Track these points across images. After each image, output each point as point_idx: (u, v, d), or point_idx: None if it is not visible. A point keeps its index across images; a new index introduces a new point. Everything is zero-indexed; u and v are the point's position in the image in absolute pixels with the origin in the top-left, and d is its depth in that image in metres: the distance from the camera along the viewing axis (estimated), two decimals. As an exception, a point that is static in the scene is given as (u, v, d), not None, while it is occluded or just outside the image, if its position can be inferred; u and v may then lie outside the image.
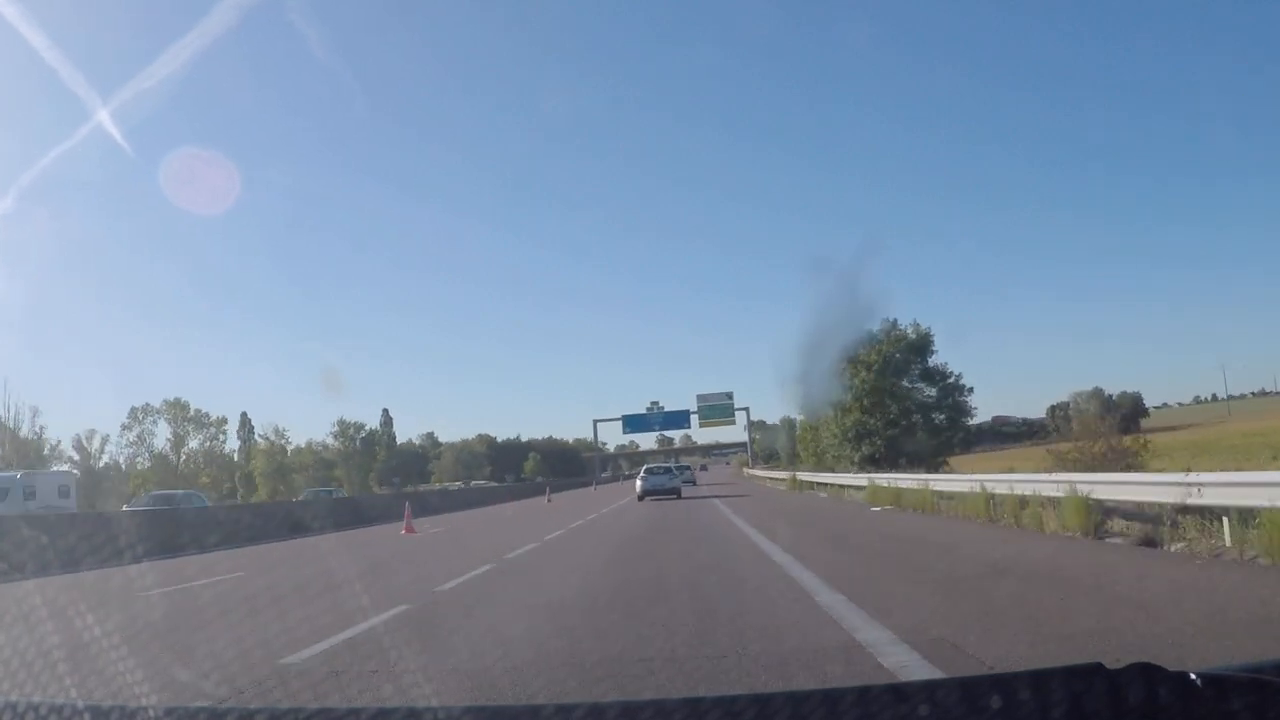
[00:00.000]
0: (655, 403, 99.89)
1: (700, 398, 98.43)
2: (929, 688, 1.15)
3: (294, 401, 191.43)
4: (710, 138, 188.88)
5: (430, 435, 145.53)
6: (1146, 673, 1.06)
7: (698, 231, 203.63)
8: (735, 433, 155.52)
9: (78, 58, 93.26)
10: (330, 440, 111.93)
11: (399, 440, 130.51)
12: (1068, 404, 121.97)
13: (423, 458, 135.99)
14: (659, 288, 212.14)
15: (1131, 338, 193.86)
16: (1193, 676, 1.06)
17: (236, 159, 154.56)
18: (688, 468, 73.01)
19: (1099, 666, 1.09)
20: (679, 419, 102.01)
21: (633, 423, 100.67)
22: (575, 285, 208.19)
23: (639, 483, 37.90)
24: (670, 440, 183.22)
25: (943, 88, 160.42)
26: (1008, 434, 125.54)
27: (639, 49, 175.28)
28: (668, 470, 40.40)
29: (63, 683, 5.28)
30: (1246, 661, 1.24)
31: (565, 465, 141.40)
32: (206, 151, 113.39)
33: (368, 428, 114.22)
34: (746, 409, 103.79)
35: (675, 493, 36.42)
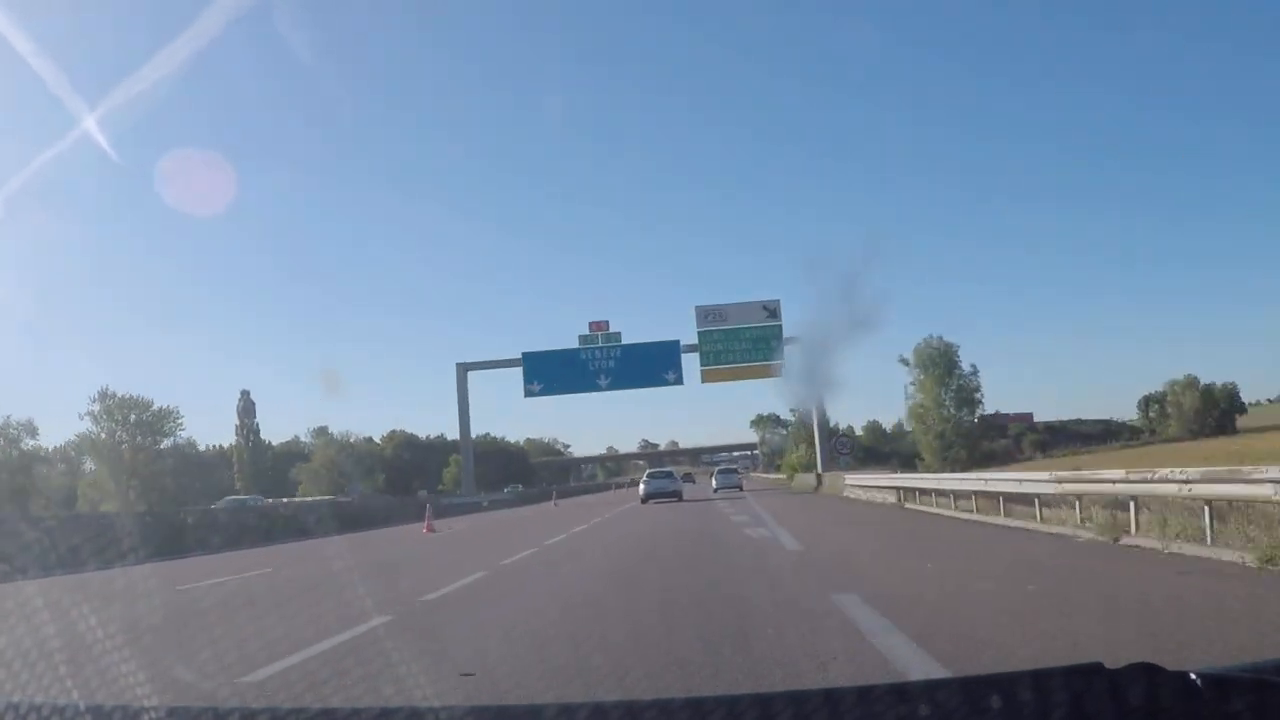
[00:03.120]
0: (602, 325, 50.51)
1: (704, 314, 49.40)
2: (930, 688, 1.16)
3: (288, 400, 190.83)
4: (708, 130, 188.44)
5: (323, 430, 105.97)
6: (1147, 673, 1.08)
7: (698, 225, 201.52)
8: (741, 429, 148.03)
9: (64, 63, 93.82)
10: (88, 426, 69.15)
11: (279, 436, 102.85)
12: (1163, 395, 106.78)
13: (306, 459, 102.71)
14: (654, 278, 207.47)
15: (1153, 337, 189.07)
16: (1193, 677, 1.08)
17: (224, 163, 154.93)
18: (735, 471, 57.95)
19: (1099, 666, 1.11)
20: (659, 360, 49.85)
21: (544, 368, 50.02)
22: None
23: (642, 486, 42.08)
24: (655, 445, 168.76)
25: (949, 82, 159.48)
26: (1086, 434, 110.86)
27: (636, 42, 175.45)
28: (669, 474, 44.34)
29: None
30: (1246, 661, 1.25)
31: (513, 472, 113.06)
32: (193, 157, 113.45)
33: (156, 406, 69.79)
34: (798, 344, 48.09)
35: (677, 495, 40.47)
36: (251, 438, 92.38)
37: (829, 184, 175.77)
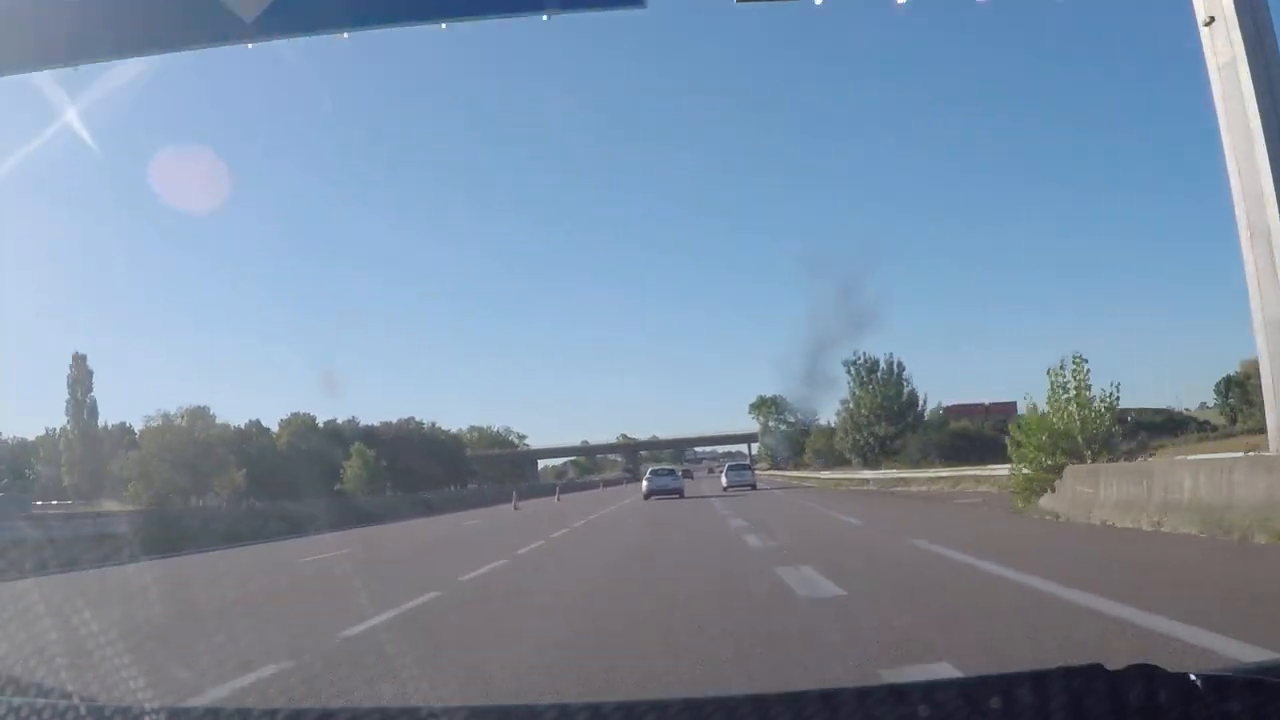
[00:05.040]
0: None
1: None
2: (928, 688, 1.17)
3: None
4: (697, 155, 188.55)
5: (203, 410, 76.26)
6: (1146, 674, 1.09)
7: (682, 246, 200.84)
8: (741, 415, 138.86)
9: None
10: None
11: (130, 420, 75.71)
12: (1244, 378, 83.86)
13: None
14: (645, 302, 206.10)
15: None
16: (1193, 678, 1.09)
17: (208, 160, 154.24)
18: (748, 467, 55.93)
19: (1099, 667, 1.12)
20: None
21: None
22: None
23: (645, 483, 43.59)
24: (632, 438, 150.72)
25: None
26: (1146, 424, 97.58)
27: (634, 37, 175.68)
28: (671, 472, 45.09)
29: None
30: (1245, 663, 1.26)
31: (445, 467, 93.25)
32: (177, 150, 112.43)
33: None
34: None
35: (678, 492, 40.72)
36: (86, 417, 69.62)
37: (826, 175, 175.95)
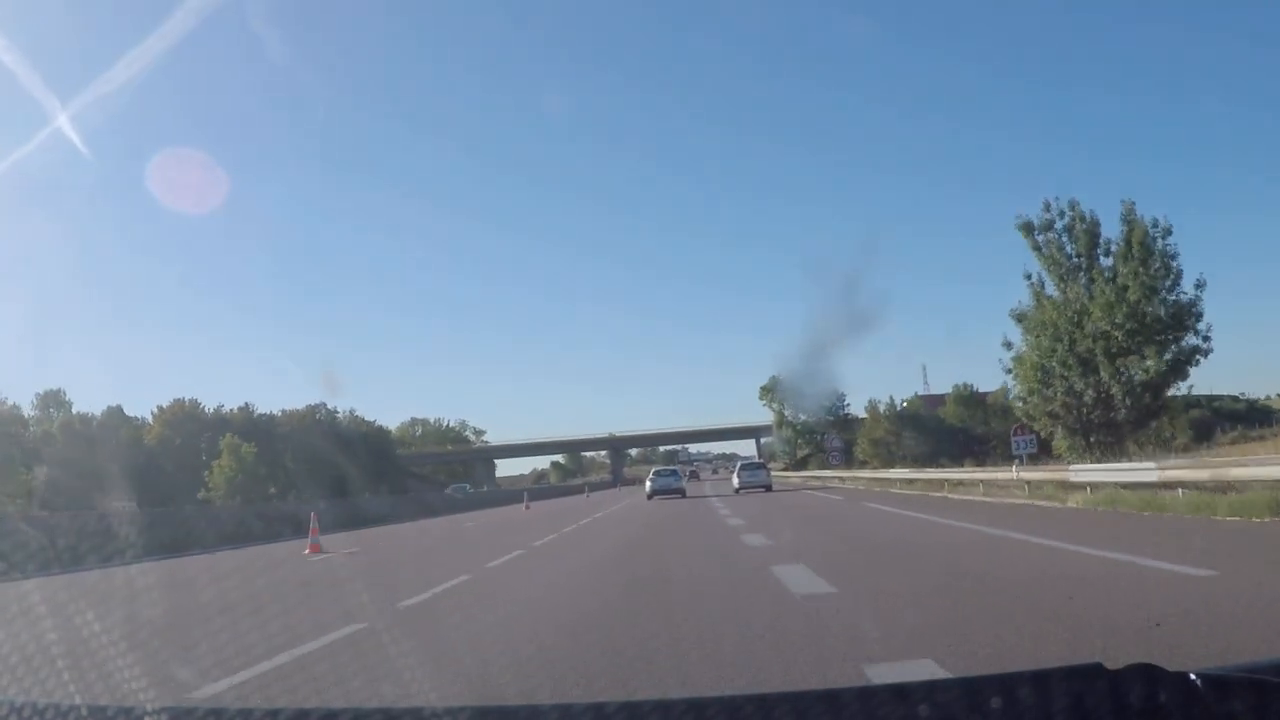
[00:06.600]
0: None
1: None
2: (929, 688, 1.17)
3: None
4: (702, 127, 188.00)
5: (55, 394, 68.65)
6: (1147, 673, 1.09)
7: (694, 223, 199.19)
8: (738, 411, 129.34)
9: (37, 61, 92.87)
10: None
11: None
12: None
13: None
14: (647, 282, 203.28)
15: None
16: (1193, 677, 1.09)
17: (199, 160, 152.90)
18: (762, 466, 48.28)
19: (1099, 667, 1.12)
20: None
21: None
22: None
23: (648, 483, 43.89)
24: (621, 440, 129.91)
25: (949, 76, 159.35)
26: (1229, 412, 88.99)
27: (636, 40, 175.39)
28: (673, 473, 45.91)
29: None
30: (1246, 662, 1.27)
31: (365, 467, 69.99)
32: (168, 154, 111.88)
33: None
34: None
35: (680, 493, 41.02)
36: None
37: (829, 181, 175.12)
